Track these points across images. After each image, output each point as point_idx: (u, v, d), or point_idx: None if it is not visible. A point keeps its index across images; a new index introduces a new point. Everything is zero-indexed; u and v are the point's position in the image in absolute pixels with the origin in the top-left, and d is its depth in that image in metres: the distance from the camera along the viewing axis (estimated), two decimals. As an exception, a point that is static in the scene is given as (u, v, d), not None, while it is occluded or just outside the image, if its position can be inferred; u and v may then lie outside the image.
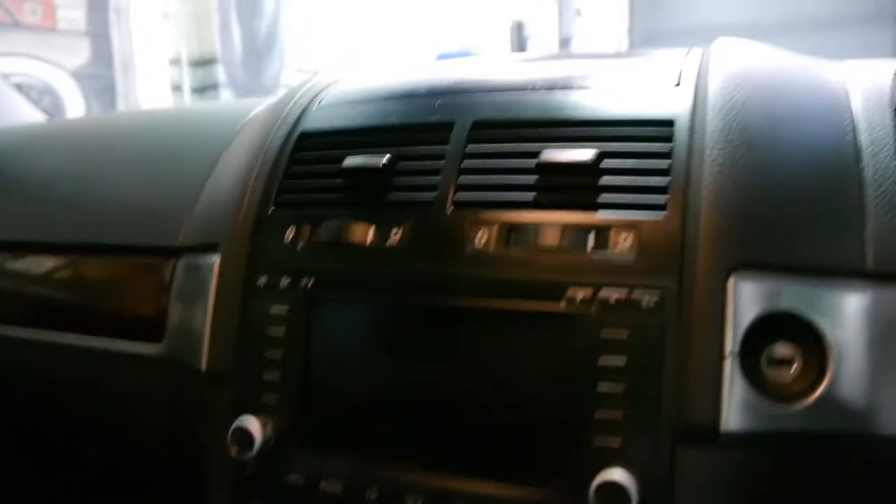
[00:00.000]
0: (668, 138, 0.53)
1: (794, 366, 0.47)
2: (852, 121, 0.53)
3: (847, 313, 0.46)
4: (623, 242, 0.51)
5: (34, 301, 0.79)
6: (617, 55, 0.77)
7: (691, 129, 0.53)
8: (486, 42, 5.26)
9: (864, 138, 0.52)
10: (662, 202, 0.51)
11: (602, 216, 0.52)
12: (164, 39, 2.69)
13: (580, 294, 0.50)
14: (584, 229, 0.52)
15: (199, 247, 0.66)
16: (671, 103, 0.56)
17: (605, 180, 0.53)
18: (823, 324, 0.46)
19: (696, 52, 0.64)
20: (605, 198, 0.53)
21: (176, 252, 0.68)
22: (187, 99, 2.79)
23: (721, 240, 0.48)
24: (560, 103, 0.58)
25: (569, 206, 0.53)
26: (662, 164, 0.52)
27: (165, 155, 0.80)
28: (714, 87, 0.55)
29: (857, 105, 0.55)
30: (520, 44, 5.98)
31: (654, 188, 0.52)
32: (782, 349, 0.47)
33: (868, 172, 0.50)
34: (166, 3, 2.68)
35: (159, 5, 2.67)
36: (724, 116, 0.53)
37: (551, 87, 0.60)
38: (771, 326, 0.47)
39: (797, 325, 0.46)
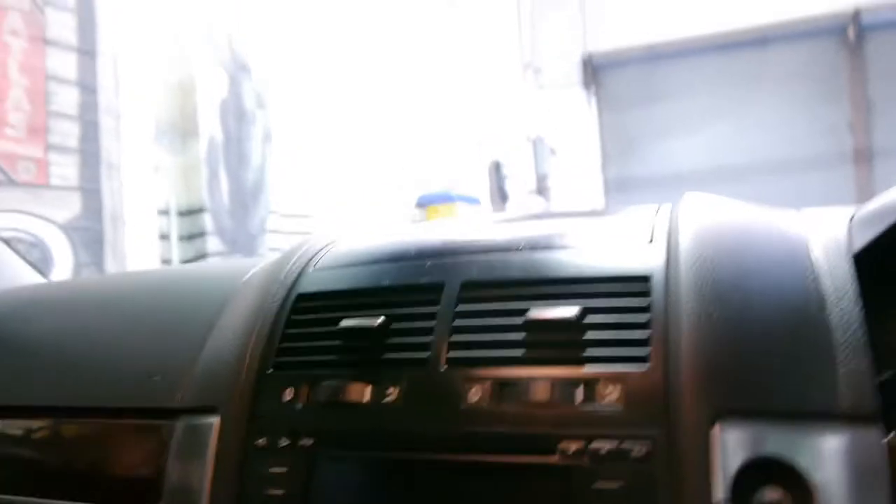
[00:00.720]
0: (646, 293, 0.57)
1: None
2: (814, 270, 0.57)
3: (827, 456, 0.48)
4: (610, 395, 0.53)
5: (28, 467, 0.78)
6: (591, 213, 0.82)
7: (666, 283, 0.56)
8: (466, 182, 5.45)
9: (826, 286, 0.55)
10: (645, 354, 0.53)
11: (589, 370, 0.54)
12: (153, 191, 2.78)
13: (572, 446, 0.52)
14: (572, 383, 0.54)
15: (198, 408, 0.67)
16: (646, 259, 0.59)
17: (590, 335, 0.56)
18: (806, 467, 0.47)
19: (666, 207, 0.69)
20: (590, 352, 0.55)
21: (174, 413, 0.69)
22: (175, 247, 2.85)
23: (703, 389, 0.51)
24: (543, 263, 0.62)
25: (557, 361, 0.56)
26: (642, 317, 0.55)
27: (163, 316, 0.82)
28: (685, 242, 0.59)
29: (818, 254, 0.59)
30: (498, 183, 6.20)
31: (636, 341, 0.54)
32: (770, 493, 0.48)
33: (833, 319, 0.53)
34: (157, 157, 2.79)
35: (150, 159, 2.78)
36: (696, 271, 0.56)
37: (534, 247, 0.64)
38: (757, 472, 0.48)
39: (782, 470, 0.48)
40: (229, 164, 3.10)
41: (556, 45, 7.13)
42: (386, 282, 0.66)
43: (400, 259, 0.69)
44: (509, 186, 6.33)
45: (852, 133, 6.49)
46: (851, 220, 0.64)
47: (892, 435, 0.48)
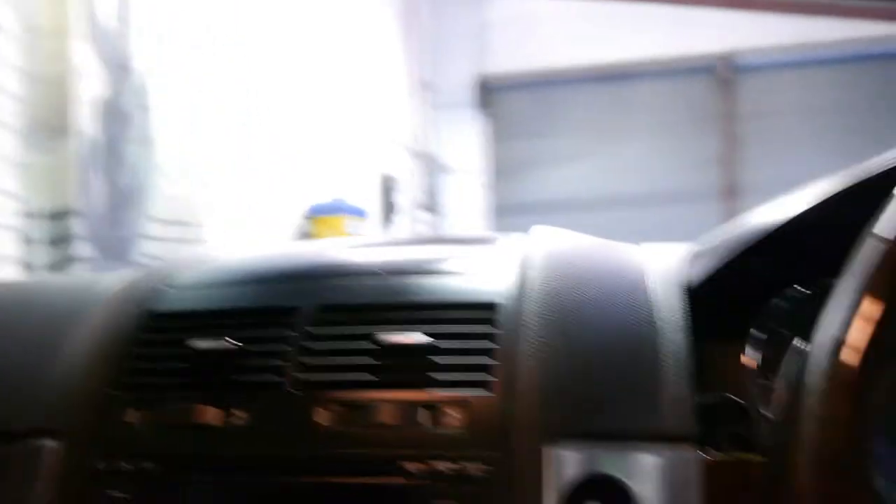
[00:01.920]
0: (493, 321, 0.60)
1: None
2: (648, 301, 0.62)
3: (649, 473, 0.52)
4: (453, 418, 0.56)
5: None
6: (452, 240, 0.84)
7: (513, 312, 0.60)
8: (357, 193, 5.44)
9: (658, 316, 0.60)
10: (488, 380, 0.57)
11: (434, 394, 0.57)
12: (16, 191, 2.61)
13: (415, 468, 0.54)
14: (417, 406, 0.57)
15: (39, 431, 0.64)
16: (495, 289, 0.63)
17: (436, 360, 0.59)
18: (633, 484, 0.52)
19: (521, 238, 0.72)
20: (436, 377, 0.58)
21: (12, 437, 0.66)
22: (38, 252, 2.68)
23: (539, 414, 0.54)
24: (398, 288, 0.65)
25: (404, 385, 0.58)
26: (487, 344, 0.59)
27: (6, 333, 0.78)
28: (532, 273, 0.63)
29: (654, 286, 0.64)
30: (387, 197, 6.22)
31: (480, 367, 0.58)
32: None
33: (662, 347, 0.57)
34: (22, 155, 2.63)
35: (13, 157, 2.61)
36: (541, 302, 0.60)
37: (391, 272, 0.67)
38: (588, 490, 0.52)
39: (612, 487, 0.52)
40: (103, 165, 2.96)
41: (453, 66, 7.26)
42: (241, 304, 0.66)
43: (257, 281, 0.69)
44: (398, 201, 6.36)
45: (721, 168, 6.95)
46: (689, 254, 0.69)
47: (717, 453, 0.53)
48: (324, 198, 4.93)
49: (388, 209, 6.27)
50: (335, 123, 5.21)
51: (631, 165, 6.94)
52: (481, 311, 0.61)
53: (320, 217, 4.90)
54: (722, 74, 7.05)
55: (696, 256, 0.68)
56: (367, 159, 5.86)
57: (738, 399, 0.59)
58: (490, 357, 0.58)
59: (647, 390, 0.55)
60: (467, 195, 7.36)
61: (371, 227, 5.73)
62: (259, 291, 0.67)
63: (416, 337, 0.58)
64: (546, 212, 7.10)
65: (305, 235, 4.85)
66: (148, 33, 3.17)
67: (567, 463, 0.52)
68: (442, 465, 0.54)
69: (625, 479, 0.52)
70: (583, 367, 0.56)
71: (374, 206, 5.95)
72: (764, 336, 0.62)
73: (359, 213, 5.35)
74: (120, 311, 0.68)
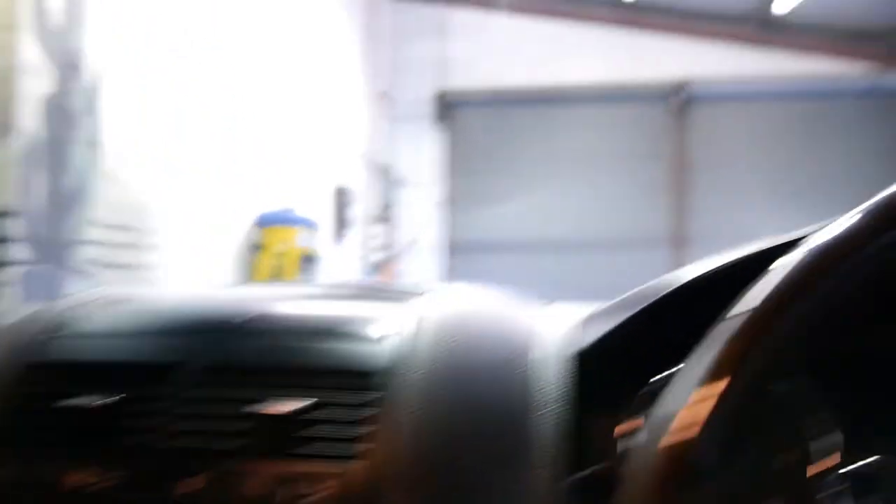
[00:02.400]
0: (377, 389, 0.57)
1: None
2: (528, 374, 0.60)
3: None
4: (323, 492, 0.53)
5: None
6: (357, 294, 0.79)
7: (394, 382, 0.57)
8: (310, 204, 5.38)
9: (542, 388, 0.59)
10: (363, 451, 0.54)
11: (303, 467, 0.54)
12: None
13: None
14: (286, 479, 0.54)
15: None
16: (381, 356, 0.60)
17: (313, 431, 0.56)
18: None
19: (420, 299, 0.69)
20: (308, 448, 0.55)
21: None
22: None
23: (412, 487, 0.53)
24: (285, 351, 0.62)
25: (274, 455, 0.55)
26: (364, 414, 0.56)
27: None
28: (423, 339, 0.61)
29: (538, 355, 0.62)
30: (341, 208, 6.18)
31: (353, 439, 0.55)
32: None
33: (540, 422, 0.57)
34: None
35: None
36: (425, 371, 0.58)
37: (283, 332, 0.64)
38: None
39: None
40: (46, 166, 2.86)
41: (412, 79, 7.27)
42: (124, 357, 0.63)
43: (144, 332, 0.65)
44: (352, 214, 6.32)
45: (672, 191, 7.11)
46: (582, 318, 0.68)
47: None
48: (273, 207, 4.86)
49: (341, 222, 6.23)
50: (291, 133, 5.16)
51: (587, 188, 7.03)
52: (363, 380, 0.58)
53: (270, 227, 4.83)
54: (676, 102, 7.23)
55: (588, 320, 0.68)
56: (323, 170, 5.81)
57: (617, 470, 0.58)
58: (365, 428, 0.55)
59: (511, 470, 0.54)
60: (422, 208, 7.36)
61: (323, 239, 5.68)
62: (144, 345, 0.64)
63: (290, 407, 0.56)
64: (500, 239, 7.16)
65: (255, 246, 4.77)
66: (101, 33, 3.09)
67: None
68: None
69: None
70: (454, 443, 0.55)
71: (327, 217, 5.90)
72: (647, 403, 0.62)
73: (309, 224, 5.30)
74: None
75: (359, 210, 6.63)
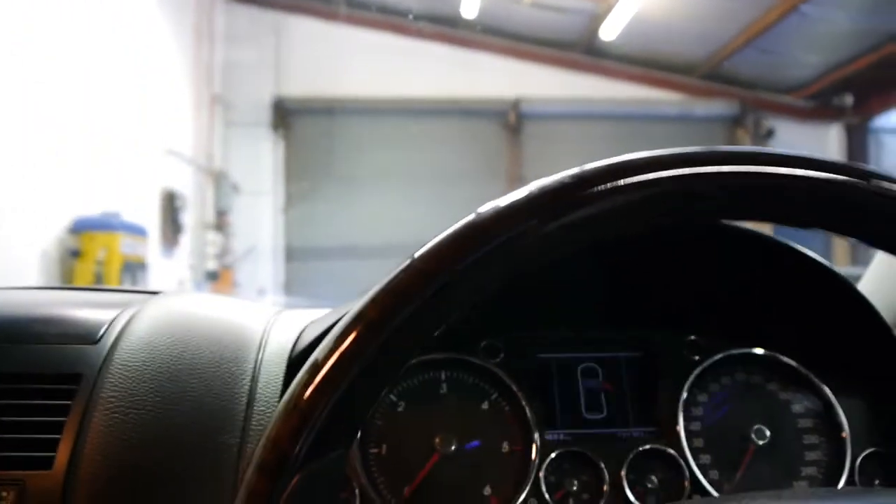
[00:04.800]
0: (71, 394, 0.56)
1: None
2: (254, 372, 0.60)
3: None
4: (6, 501, 0.51)
5: None
6: (77, 300, 0.73)
7: (95, 385, 0.56)
8: (137, 209, 5.11)
9: (260, 388, 0.59)
10: (49, 458, 0.53)
11: None
12: None
13: None
14: None
15: None
16: (84, 359, 0.58)
17: (3, 437, 0.54)
18: None
19: (145, 301, 0.67)
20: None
21: None
22: None
23: (97, 494, 0.52)
24: None
25: None
26: (60, 419, 0.54)
27: None
28: (128, 342, 0.59)
29: (265, 355, 0.62)
30: (171, 213, 5.92)
31: (45, 443, 0.53)
32: None
33: (254, 421, 0.56)
34: None
35: None
36: (125, 373, 0.57)
37: None
38: None
39: None
40: None
41: (248, 84, 7.11)
42: (3, 367, 0.59)
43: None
44: (183, 219, 6.08)
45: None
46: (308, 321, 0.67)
47: None
48: (92, 210, 4.57)
49: (173, 227, 5.97)
50: (113, 133, 4.89)
51: (422, 203, 7.11)
52: (57, 383, 0.56)
53: (89, 233, 4.54)
54: (510, 119, 7.54)
55: (310, 325, 0.66)
56: (149, 173, 5.54)
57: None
58: (57, 434, 0.53)
59: (226, 464, 0.54)
60: (260, 216, 7.20)
61: (152, 247, 5.42)
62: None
63: None
64: (337, 245, 7.14)
65: (72, 253, 4.46)
66: None
67: None
68: None
69: None
70: (154, 443, 0.54)
71: (155, 223, 5.63)
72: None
73: (137, 230, 5.03)
74: None
75: (192, 216, 6.38)
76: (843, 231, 0.39)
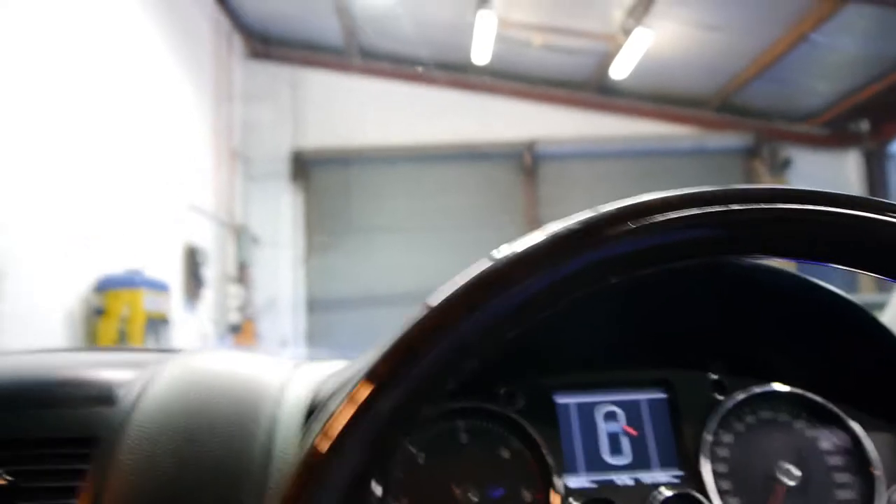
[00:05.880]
0: (87, 458, 0.56)
1: None
2: (271, 428, 0.59)
3: None
4: None
5: None
6: (69, 366, 0.72)
7: (111, 448, 0.56)
8: (159, 265, 5.18)
9: (278, 444, 0.58)
10: None
11: None
12: None
13: None
14: None
15: None
16: (101, 422, 0.58)
17: (21, 502, 0.54)
18: None
19: (162, 361, 0.67)
20: None
21: None
22: None
23: None
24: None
25: None
26: (76, 484, 0.54)
27: None
28: (145, 404, 0.59)
29: (283, 410, 0.61)
30: (193, 268, 5.98)
31: None
32: None
33: (272, 480, 0.55)
34: None
35: None
36: (142, 435, 0.56)
37: None
38: None
39: None
40: None
41: (266, 138, 7.24)
42: (18, 433, 0.59)
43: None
44: (205, 273, 6.14)
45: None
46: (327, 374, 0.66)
47: None
48: (117, 269, 4.63)
49: (195, 282, 6.03)
50: (136, 191, 4.98)
51: (443, 251, 7.08)
52: (73, 448, 0.56)
53: (113, 290, 4.60)
54: (526, 161, 7.59)
55: (329, 377, 0.65)
56: (171, 230, 5.63)
57: None
58: (74, 498, 0.53)
59: None
60: (280, 268, 7.26)
61: (174, 302, 5.47)
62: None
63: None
64: (358, 295, 7.16)
65: (96, 311, 4.52)
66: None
67: None
68: None
69: None
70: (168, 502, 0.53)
71: (178, 278, 5.69)
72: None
73: (159, 286, 5.08)
74: None
75: (213, 270, 6.44)
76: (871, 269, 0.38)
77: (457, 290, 0.36)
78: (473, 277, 0.36)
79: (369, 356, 0.36)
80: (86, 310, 4.47)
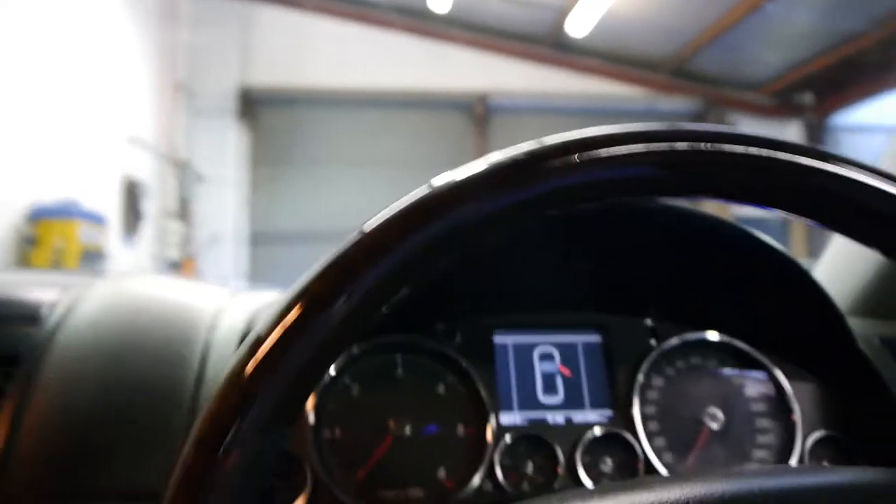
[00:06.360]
0: (9, 376, 0.55)
1: None
2: (204, 352, 0.59)
3: None
4: None
5: None
6: (21, 280, 0.71)
7: (34, 368, 0.55)
8: (96, 197, 5.00)
9: (210, 369, 0.58)
10: None
11: None
12: None
13: None
14: None
15: None
16: (24, 341, 0.57)
17: None
18: None
19: (85, 282, 0.66)
20: None
21: None
22: None
23: (32, 474, 0.52)
24: None
25: None
26: None
27: None
28: (71, 323, 0.59)
29: (216, 336, 0.61)
30: (132, 201, 5.82)
31: None
32: None
33: (201, 402, 0.55)
34: None
35: None
36: (68, 355, 0.56)
37: None
38: None
39: None
40: None
41: (214, 72, 7.00)
42: None
43: None
44: (145, 208, 5.97)
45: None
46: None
47: None
48: (50, 198, 4.46)
49: (134, 216, 5.86)
50: (69, 119, 4.78)
51: (385, 193, 7.09)
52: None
53: (46, 220, 4.44)
54: (478, 112, 7.55)
55: (266, 305, 0.65)
56: (109, 161, 5.43)
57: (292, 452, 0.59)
58: None
59: (146, 453, 0.53)
60: (224, 206, 7.11)
61: (112, 235, 5.31)
62: None
63: None
64: (300, 230, 7.09)
65: (28, 241, 4.36)
66: None
67: None
68: None
69: None
70: (89, 424, 0.53)
71: (115, 211, 5.52)
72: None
73: (96, 218, 4.93)
74: None
75: (153, 205, 6.27)
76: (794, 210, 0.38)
77: (394, 214, 0.35)
78: (410, 202, 0.35)
79: (303, 277, 0.35)
80: (16, 239, 4.31)
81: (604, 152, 0.36)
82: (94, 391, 0.54)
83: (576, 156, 0.36)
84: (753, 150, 0.35)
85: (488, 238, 0.36)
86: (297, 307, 0.33)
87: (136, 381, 0.56)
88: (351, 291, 0.33)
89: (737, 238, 0.66)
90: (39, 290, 0.64)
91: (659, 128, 0.37)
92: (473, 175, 0.35)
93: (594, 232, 0.66)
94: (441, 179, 0.36)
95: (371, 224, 0.35)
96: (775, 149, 0.36)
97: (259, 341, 0.32)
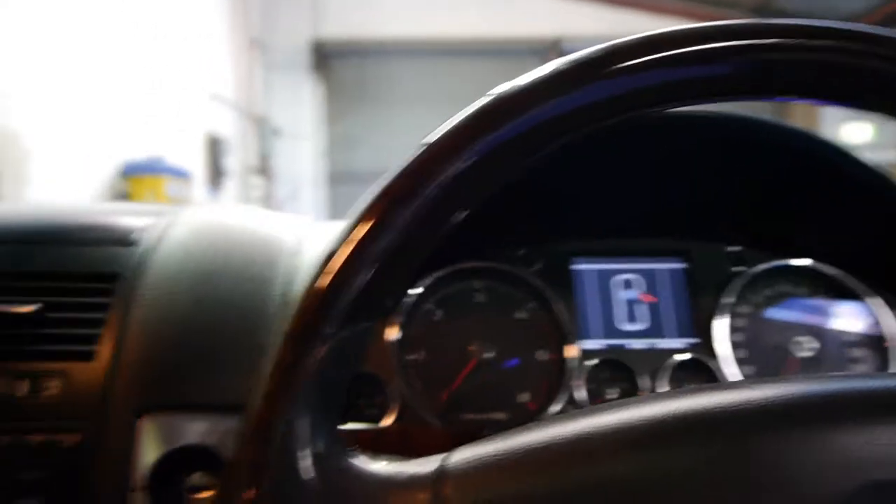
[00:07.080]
0: (110, 292, 0.59)
1: (214, 491, 0.52)
2: (288, 276, 0.62)
3: (231, 438, 0.53)
4: (50, 389, 0.55)
5: None
6: (92, 212, 0.74)
7: (133, 285, 0.59)
8: (181, 154, 5.18)
9: (294, 290, 0.60)
10: (91, 351, 0.56)
11: (35, 365, 0.56)
12: None
13: (5, 440, 0.53)
14: (16, 376, 0.55)
15: None
16: (121, 260, 0.61)
17: (44, 331, 0.57)
18: (222, 450, 0.53)
19: (175, 210, 0.70)
20: (41, 347, 0.56)
21: None
22: None
23: (134, 385, 0.55)
24: (21, 257, 0.62)
25: (6, 355, 0.56)
26: (100, 316, 0.58)
27: None
28: (164, 245, 0.62)
29: (300, 260, 0.64)
30: (215, 158, 5.99)
31: (86, 338, 0.57)
32: (196, 478, 0.53)
33: (267, 324, 0.58)
34: None
35: None
36: (162, 273, 0.60)
37: (20, 240, 0.64)
38: (183, 460, 0.53)
39: (207, 456, 0.53)
40: None
41: (286, 27, 7.07)
42: (44, 266, 0.62)
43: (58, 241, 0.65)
44: (227, 164, 6.14)
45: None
46: None
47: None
48: (139, 155, 4.65)
49: (217, 172, 6.04)
50: (155, 78, 4.93)
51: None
52: (98, 283, 0.59)
53: (136, 176, 4.63)
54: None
55: None
56: (193, 119, 5.59)
57: (375, 373, 0.61)
58: (99, 328, 0.57)
59: (249, 361, 0.55)
60: (302, 160, 7.24)
61: (197, 190, 5.50)
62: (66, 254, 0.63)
63: (23, 307, 0.57)
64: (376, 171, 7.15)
65: (121, 196, 4.56)
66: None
67: (156, 435, 0.53)
68: (32, 437, 0.53)
69: (218, 448, 0.52)
70: (184, 339, 0.57)
71: (200, 168, 5.70)
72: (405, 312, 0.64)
73: (181, 173, 5.10)
74: None
75: (236, 161, 6.44)
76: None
77: (458, 122, 0.35)
78: (474, 109, 0.35)
79: (380, 181, 0.36)
80: (112, 193, 4.52)
81: (674, 51, 0.34)
82: (188, 306, 0.58)
83: (642, 56, 0.34)
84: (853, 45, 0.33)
85: (554, 144, 0.35)
86: (379, 206, 0.34)
87: (226, 300, 0.59)
88: (427, 189, 0.35)
89: (828, 155, 0.64)
90: (134, 216, 0.69)
91: (738, 22, 0.35)
92: (537, 78, 0.35)
93: (675, 154, 0.65)
94: (503, 86, 0.36)
95: (438, 132, 0.36)
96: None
97: (346, 238, 0.34)
